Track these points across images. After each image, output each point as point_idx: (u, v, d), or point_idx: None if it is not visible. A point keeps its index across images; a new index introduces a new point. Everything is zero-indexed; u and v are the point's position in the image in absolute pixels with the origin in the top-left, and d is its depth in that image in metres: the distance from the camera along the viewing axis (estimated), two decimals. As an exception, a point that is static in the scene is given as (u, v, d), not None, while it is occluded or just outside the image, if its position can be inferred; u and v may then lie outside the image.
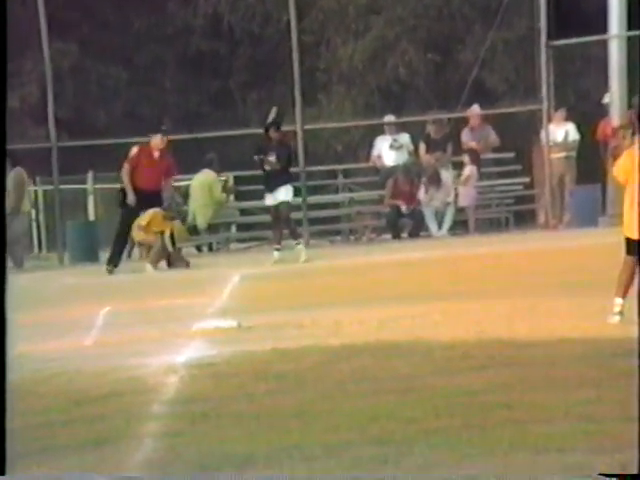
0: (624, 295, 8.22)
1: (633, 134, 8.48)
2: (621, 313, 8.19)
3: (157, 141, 15.94)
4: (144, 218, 15.99)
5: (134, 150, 16.06)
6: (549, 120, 19.68)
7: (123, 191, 16.44)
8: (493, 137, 20.38)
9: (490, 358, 6.95)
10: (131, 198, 15.91)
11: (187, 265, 16.25)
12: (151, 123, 17.73)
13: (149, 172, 15.84)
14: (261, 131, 15.96)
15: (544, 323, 8.28)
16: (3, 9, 4.90)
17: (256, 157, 15.73)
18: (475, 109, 20.38)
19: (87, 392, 6.69)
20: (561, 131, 19.95)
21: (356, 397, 6.07)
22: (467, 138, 20.31)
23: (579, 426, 5.17)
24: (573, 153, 20.08)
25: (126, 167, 15.99)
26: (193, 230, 19.26)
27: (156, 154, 15.95)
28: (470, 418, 5.43)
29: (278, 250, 16.08)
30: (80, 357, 8.16)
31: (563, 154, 19.94)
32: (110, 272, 16.15)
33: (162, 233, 15.96)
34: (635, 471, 4.52)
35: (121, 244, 16.40)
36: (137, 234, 16.14)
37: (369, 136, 21.42)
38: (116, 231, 16.40)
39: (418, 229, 19.56)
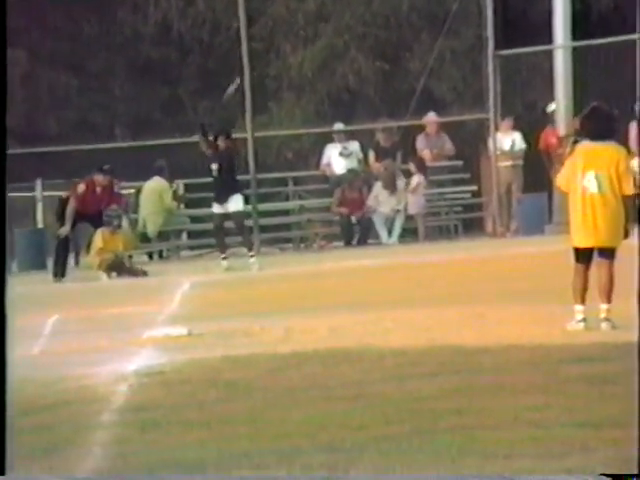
0: (583, 301, 8.30)
1: (574, 142, 8.56)
2: (584, 319, 8.27)
3: (99, 179, 16.71)
4: (98, 241, 16.22)
5: (81, 187, 16.70)
6: (496, 129, 19.84)
7: (61, 201, 16.91)
8: (449, 145, 20.54)
9: (440, 365, 7.00)
10: (65, 229, 16.57)
11: (144, 274, 16.29)
12: (101, 130, 17.68)
13: (92, 203, 16.66)
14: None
15: (493, 330, 8.35)
16: (3, 9, 4.86)
17: (200, 138, 15.94)
18: (432, 116, 20.53)
19: (35, 401, 6.64)
20: (508, 140, 20.13)
21: (306, 404, 6.08)
22: (422, 145, 20.41)
23: (527, 432, 5.23)
24: (520, 162, 20.26)
25: (72, 202, 16.62)
26: (143, 237, 19.20)
27: (99, 189, 16.77)
28: (420, 424, 5.46)
29: (225, 259, 16.13)
30: (28, 366, 8.10)
31: (510, 162, 20.11)
32: (58, 282, 16.24)
33: (117, 249, 16.23)
34: (635, 471, 4.57)
35: (63, 254, 16.58)
36: (94, 259, 16.28)
37: (319, 144, 21.45)
38: (56, 243, 16.69)
39: (366, 237, 19.63)
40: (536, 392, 6.02)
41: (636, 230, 8.41)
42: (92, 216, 16.66)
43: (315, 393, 6.37)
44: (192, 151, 18.59)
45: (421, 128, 20.72)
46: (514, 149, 20.13)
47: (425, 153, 20.35)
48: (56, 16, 24.46)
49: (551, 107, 19.97)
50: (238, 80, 17.14)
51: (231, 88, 16.72)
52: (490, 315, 9.12)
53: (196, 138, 16.74)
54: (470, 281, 12.32)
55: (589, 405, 5.66)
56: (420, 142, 20.45)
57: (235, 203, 15.98)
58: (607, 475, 4.49)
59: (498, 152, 19.83)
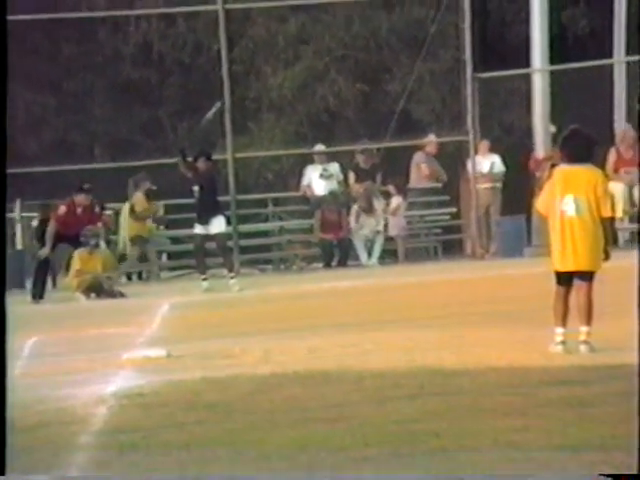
0: (564, 324, 8.32)
1: (552, 166, 8.62)
2: (563, 342, 8.29)
3: (80, 199, 16.60)
4: (76, 262, 16.17)
5: (62, 208, 16.66)
6: (475, 151, 19.96)
7: (40, 222, 16.92)
8: (441, 171, 20.79)
9: (419, 387, 7.00)
10: (45, 251, 16.53)
11: (122, 295, 16.24)
12: (81, 151, 17.68)
13: (72, 224, 16.59)
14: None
15: (472, 352, 8.37)
16: (3, 9, 4.87)
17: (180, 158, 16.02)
18: (432, 137, 20.78)
19: (14, 424, 6.61)
20: (487, 162, 20.25)
21: (286, 426, 6.08)
22: (420, 160, 20.56)
23: (506, 454, 5.24)
24: (499, 184, 20.38)
25: (52, 224, 16.59)
26: (123, 258, 19.16)
27: (79, 210, 16.72)
28: (399, 447, 5.47)
29: (205, 280, 16.14)
30: (7, 388, 8.06)
31: (489, 185, 20.23)
32: (36, 303, 16.20)
33: (96, 270, 16.17)
34: (635, 471, 4.57)
35: (43, 275, 16.54)
36: (72, 281, 16.22)
37: (299, 165, 21.51)
38: (36, 264, 16.70)
39: (346, 258, 19.66)
40: (515, 414, 6.03)
41: (635, 253, 8.42)
42: (73, 237, 16.62)
43: (295, 415, 6.36)
44: (172, 172, 18.60)
45: (401, 150, 20.86)
46: (493, 171, 20.24)
47: (423, 167, 20.51)
48: (35, 36, 24.44)
49: (552, 128, 20.01)
50: (219, 104, 17.19)
51: (210, 112, 16.75)
52: (469, 337, 9.14)
53: (176, 160, 16.75)
54: (450, 303, 12.35)
55: (567, 428, 5.67)
56: (419, 157, 20.62)
57: (218, 224, 16.01)
58: (606, 475, 4.50)
59: (477, 174, 19.95)
